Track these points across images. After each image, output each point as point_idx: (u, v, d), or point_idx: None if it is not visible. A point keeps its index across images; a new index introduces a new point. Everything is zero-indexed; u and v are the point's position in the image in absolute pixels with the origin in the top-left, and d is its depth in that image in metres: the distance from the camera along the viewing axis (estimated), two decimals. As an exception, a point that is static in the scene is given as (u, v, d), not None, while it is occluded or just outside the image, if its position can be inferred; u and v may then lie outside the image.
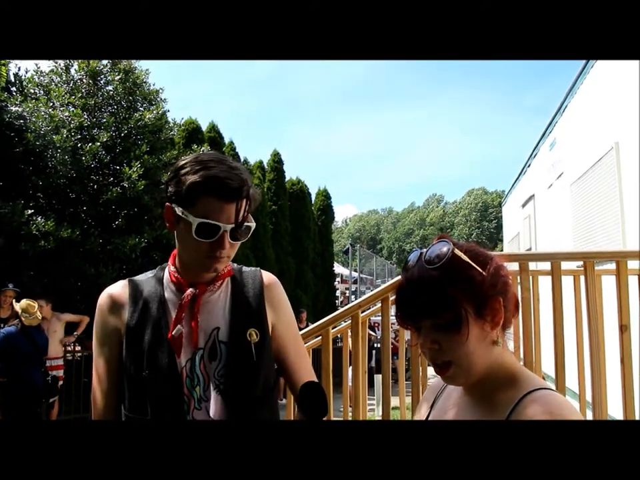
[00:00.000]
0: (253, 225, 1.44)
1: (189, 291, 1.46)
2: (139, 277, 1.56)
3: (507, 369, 1.08)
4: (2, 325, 6.46)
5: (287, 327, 1.60)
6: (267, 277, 1.61)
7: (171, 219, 1.45)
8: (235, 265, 1.59)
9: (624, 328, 2.89)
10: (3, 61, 6.50)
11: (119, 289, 1.52)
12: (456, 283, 1.02)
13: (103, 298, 1.52)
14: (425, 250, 1.08)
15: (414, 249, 1.12)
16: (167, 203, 1.44)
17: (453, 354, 1.04)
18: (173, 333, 1.42)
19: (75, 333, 7.82)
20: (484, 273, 1.04)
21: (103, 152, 8.95)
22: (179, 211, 1.39)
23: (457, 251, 1.04)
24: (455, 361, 1.05)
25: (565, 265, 3.21)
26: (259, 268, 1.64)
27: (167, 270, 1.55)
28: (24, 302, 5.90)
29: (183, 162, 1.43)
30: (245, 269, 1.61)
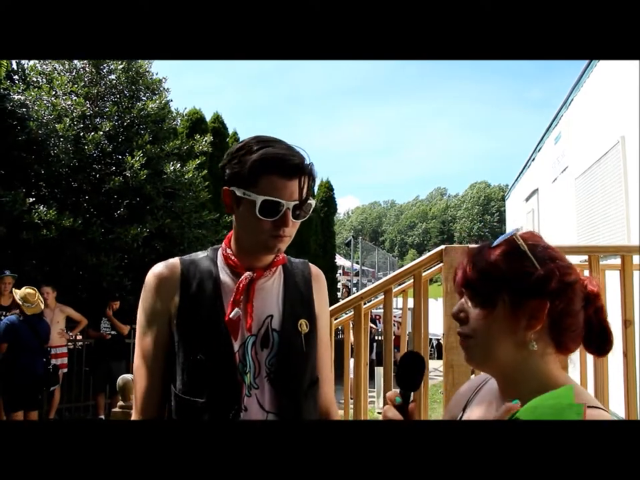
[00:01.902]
0: (313, 202, 1.43)
1: (247, 274, 1.44)
2: (191, 256, 1.52)
3: (551, 378, 1.03)
4: (4, 313, 6.48)
5: (325, 321, 1.61)
6: (315, 269, 1.63)
7: (229, 202, 1.44)
8: (284, 255, 1.57)
9: (628, 323, 2.87)
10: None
11: (168, 269, 1.48)
12: (503, 266, 1.02)
13: (151, 278, 1.47)
14: (507, 232, 1.10)
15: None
16: (225, 187, 1.42)
17: (475, 330, 1.05)
18: (230, 316, 1.39)
19: (71, 334, 7.83)
20: (537, 267, 1.01)
21: (106, 141, 8.91)
22: (239, 192, 1.38)
23: (517, 237, 1.05)
24: (475, 336, 1.05)
25: (569, 260, 3.19)
26: (306, 260, 1.64)
27: (220, 252, 1.52)
28: (23, 291, 5.88)
29: (241, 144, 1.42)
30: (293, 259, 1.61)
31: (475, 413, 1.17)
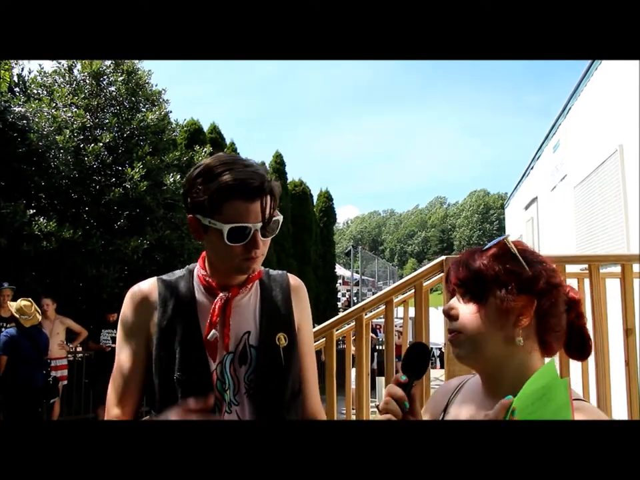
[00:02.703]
0: (280, 218, 1.43)
1: (222, 294, 1.44)
2: (168, 277, 1.53)
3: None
4: (5, 325, 6.47)
5: (307, 332, 1.60)
6: (294, 280, 1.61)
7: (196, 230, 1.43)
8: (262, 267, 1.57)
9: (629, 332, 2.87)
10: (6, 65, 6.51)
11: (148, 287, 1.49)
12: (494, 267, 1.07)
13: (131, 295, 1.49)
14: (498, 238, 1.16)
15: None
16: (190, 215, 1.42)
17: (464, 326, 1.09)
18: (208, 337, 1.40)
19: (71, 345, 7.80)
20: (526, 268, 1.07)
21: (106, 153, 8.94)
22: (205, 221, 1.38)
23: (508, 241, 1.11)
24: (464, 332, 1.09)
25: (569, 268, 3.20)
26: (285, 271, 1.64)
27: (195, 272, 1.53)
28: (19, 303, 5.84)
29: (198, 170, 1.41)
30: (271, 271, 1.60)
31: (458, 413, 1.19)
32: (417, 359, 1.14)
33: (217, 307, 1.43)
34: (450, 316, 1.13)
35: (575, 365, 3.02)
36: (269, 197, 1.37)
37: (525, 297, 1.06)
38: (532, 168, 10.28)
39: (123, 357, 1.47)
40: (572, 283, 3.17)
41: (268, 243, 1.44)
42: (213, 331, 1.41)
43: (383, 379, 5.52)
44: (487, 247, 1.12)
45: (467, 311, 1.09)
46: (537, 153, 9.72)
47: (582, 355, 1.14)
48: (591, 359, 2.97)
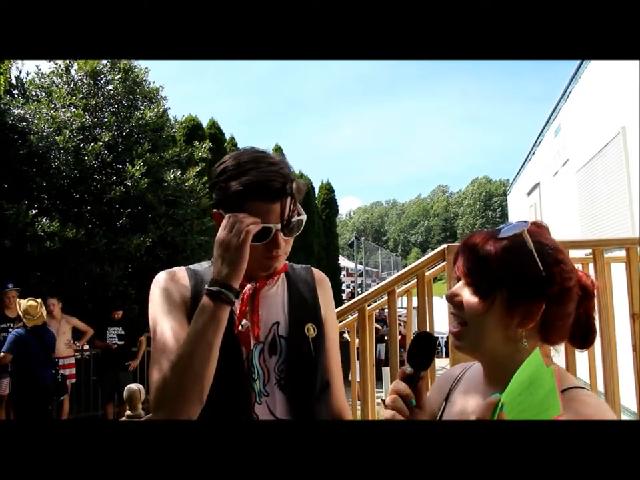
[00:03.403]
0: (303, 217, 1.42)
1: (249, 285, 1.44)
2: (195, 266, 1.51)
3: None
4: (11, 325, 6.51)
5: (332, 325, 1.60)
6: (318, 273, 1.62)
7: (220, 225, 1.41)
8: (287, 261, 1.56)
9: (636, 316, 2.86)
10: (1, 68, 6.50)
11: (179, 273, 1.47)
12: (505, 260, 1.01)
13: (166, 276, 1.45)
14: (515, 223, 1.07)
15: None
16: (215, 210, 1.42)
17: (469, 317, 1.06)
18: (239, 328, 1.40)
19: (78, 344, 7.84)
20: (540, 268, 1.00)
21: (105, 151, 8.94)
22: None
23: (525, 234, 1.03)
24: (469, 324, 1.06)
25: (573, 253, 3.18)
26: (309, 265, 1.64)
27: None
28: (25, 303, 5.89)
29: (222, 166, 1.40)
30: (295, 265, 1.61)
31: (460, 402, 1.18)
32: (423, 349, 1.09)
33: (245, 296, 1.43)
34: (453, 303, 1.09)
35: (581, 352, 3.00)
36: (290, 198, 1.36)
37: (533, 298, 1.01)
38: (533, 153, 10.23)
39: (170, 329, 1.37)
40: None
41: (291, 241, 1.43)
42: (245, 320, 1.41)
43: (388, 369, 5.51)
44: (502, 234, 1.05)
45: (471, 302, 1.06)
46: (538, 138, 9.67)
47: (585, 345, 1.10)
48: (597, 346, 2.96)
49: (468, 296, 1.07)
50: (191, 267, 1.51)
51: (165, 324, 1.37)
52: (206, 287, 1.28)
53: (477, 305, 1.04)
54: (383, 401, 1.09)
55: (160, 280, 1.46)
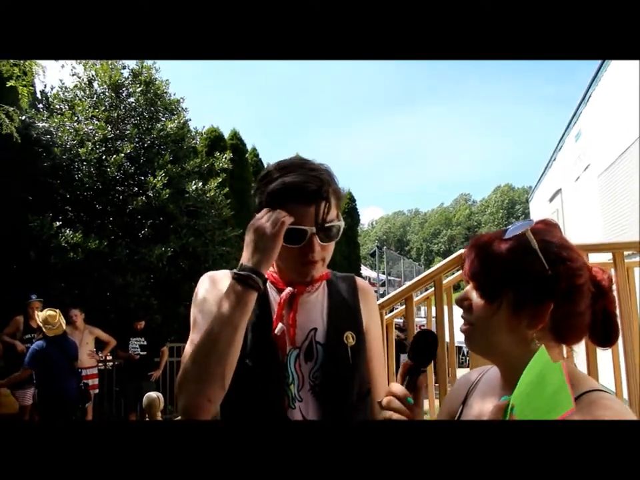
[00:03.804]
0: (340, 223, 1.42)
1: (288, 289, 1.45)
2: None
3: None
4: (34, 336, 6.60)
5: (376, 335, 1.58)
6: (361, 282, 1.62)
7: None
8: (329, 269, 1.57)
9: (658, 321, 2.80)
10: (24, 81, 6.66)
11: (222, 274, 1.50)
12: (510, 261, 1.00)
13: (210, 278, 1.49)
14: (521, 223, 1.07)
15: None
16: (255, 213, 1.44)
17: (477, 320, 1.05)
18: (275, 331, 1.41)
19: (100, 355, 7.91)
20: (546, 267, 0.98)
21: (127, 163, 9.07)
22: None
23: (529, 234, 1.01)
24: (477, 326, 1.05)
25: (595, 258, 3.12)
26: (352, 274, 1.64)
27: None
28: (44, 313, 5.94)
29: (265, 171, 1.44)
30: (339, 273, 1.61)
31: (477, 405, 1.17)
32: (424, 345, 1.12)
33: (282, 300, 1.44)
34: (463, 306, 1.09)
35: (605, 359, 2.95)
36: (325, 202, 1.36)
37: (540, 298, 0.99)
38: (554, 159, 10.11)
39: (205, 324, 1.36)
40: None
41: (329, 248, 1.42)
42: (281, 324, 1.41)
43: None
44: (507, 235, 1.04)
45: (479, 306, 1.05)
46: (559, 144, 9.56)
47: (606, 343, 1.06)
48: (621, 350, 2.90)
49: (475, 299, 1.06)
50: (235, 270, 1.53)
51: (200, 320, 1.40)
52: (234, 270, 1.30)
53: (484, 307, 1.04)
54: (379, 402, 1.09)
55: (206, 282, 1.49)
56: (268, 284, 1.49)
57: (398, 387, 1.07)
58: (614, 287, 1.07)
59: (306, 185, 1.34)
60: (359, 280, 1.61)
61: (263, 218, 1.32)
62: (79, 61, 9.45)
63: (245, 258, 1.30)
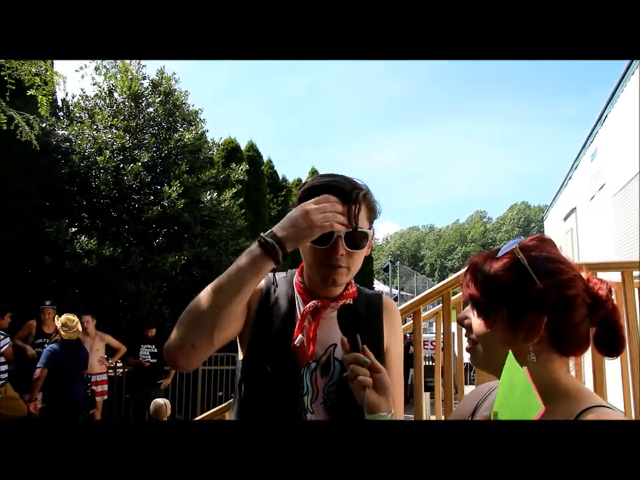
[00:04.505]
0: (370, 231, 1.43)
1: (312, 302, 1.47)
2: (272, 275, 1.51)
3: (561, 382, 1.04)
4: (46, 341, 6.66)
5: (397, 355, 1.57)
6: (388, 300, 1.61)
7: None
8: (359, 286, 1.59)
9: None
10: (44, 90, 6.76)
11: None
12: (502, 280, 1.03)
13: None
14: (512, 241, 1.10)
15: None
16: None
17: (478, 337, 1.09)
18: (295, 342, 1.42)
19: (111, 361, 7.95)
20: (537, 282, 1.00)
21: (144, 172, 9.16)
22: None
23: (517, 251, 1.04)
24: (479, 343, 1.09)
25: (608, 278, 3.09)
26: (381, 291, 1.65)
27: (294, 278, 1.56)
28: (64, 317, 6.05)
29: (305, 181, 1.48)
30: (367, 291, 1.62)
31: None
32: (346, 318, 1.31)
33: (305, 312, 1.45)
34: (464, 326, 1.13)
35: (615, 379, 2.92)
36: (356, 205, 1.38)
37: (533, 312, 1.01)
38: (570, 178, 10.06)
39: None
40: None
41: (356, 257, 1.43)
42: (300, 335, 1.43)
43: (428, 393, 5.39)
44: (500, 253, 1.08)
45: (477, 324, 1.09)
46: (574, 162, 9.51)
47: (612, 353, 1.06)
48: (629, 371, 2.86)
49: (474, 318, 1.10)
50: (269, 274, 1.50)
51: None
52: (261, 234, 1.30)
53: (482, 325, 1.07)
54: (345, 377, 1.24)
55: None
56: (296, 294, 1.52)
57: (353, 354, 1.25)
58: (614, 297, 1.08)
59: (340, 184, 1.38)
60: (385, 298, 1.61)
61: (320, 206, 1.31)
62: (98, 71, 9.60)
63: (277, 227, 1.30)
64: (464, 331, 1.16)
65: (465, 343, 3.16)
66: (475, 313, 1.09)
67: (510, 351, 0.91)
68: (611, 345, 1.06)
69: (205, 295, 1.28)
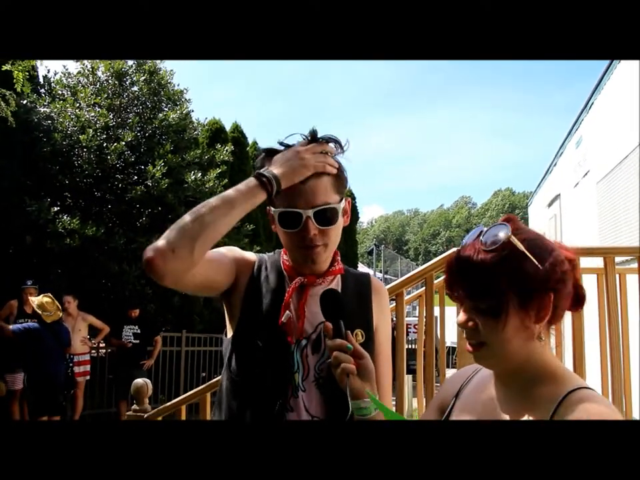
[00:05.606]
0: (339, 204, 1.42)
1: (298, 278, 1.46)
2: (260, 254, 1.58)
3: (549, 364, 1.05)
4: (27, 321, 6.59)
5: (385, 335, 1.57)
6: (376, 281, 1.62)
7: (271, 221, 1.48)
8: (346, 267, 1.58)
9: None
10: (20, 66, 6.55)
11: (249, 254, 1.56)
12: (505, 271, 1.00)
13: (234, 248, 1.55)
14: (485, 229, 1.06)
15: (477, 226, 1.12)
16: (267, 207, 1.47)
17: (488, 337, 1.04)
18: (282, 319, 1.41)
19: (93, 341, 7.92)
20: (539, 266, 1.00)
21: (128, 151, 9.05)
22: (271, 210, 1.43)
23: (514, 239, 1.01)
24: (489, 343, 1.04)
25: (589, 263, 3.12)
26: (368, 272, 1.65)
27: (281, 257, 1.56)
28: (40, 299, 5.93)
29: (266, 149, 1.48)
30: (354, 270, 1.62)
31: (468, 399, 1.18)
32: (330, 304, 1.31)
33: (291, 288, 1.45)
34: (468, 328, 1.07)
35: (594, 364, 2.96)
36: (320, 182, 1.38)
37: (542, 294, 1.00)
38: (555, 165, 10.13)
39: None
40: (591, 278, 3.10)
41: (330, 233, 1.42)
42: (287, 312, 1.42)
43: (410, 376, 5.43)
44: (489, 245, 1.02)
45: (487, 323, 1.03)
46: (559, 150, 9.57)
47: (577, 306, 1.09)
48: (607, 356, 2.91)
49: (481, 318, 1.04)
50: (259, 254, 1.59)
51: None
52: (257, 171, 1.36)
53: (493, 324, 1.02)
54: (329, 364, 1.24)
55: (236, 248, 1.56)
56: (284, 272, 1.51)
57: (333, 343, 1.25)
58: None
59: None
60: (373, 279, 1.61)
61: (309, 150, 1.37)
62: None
63: (273, 166, 1.36)
64: (453, 321, 1.14)
65: (450, 325, 3.17)
66: (482, 312, 1.04)
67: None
68: (576, 300, 1.08)
69: (194, 210, 1.29)
